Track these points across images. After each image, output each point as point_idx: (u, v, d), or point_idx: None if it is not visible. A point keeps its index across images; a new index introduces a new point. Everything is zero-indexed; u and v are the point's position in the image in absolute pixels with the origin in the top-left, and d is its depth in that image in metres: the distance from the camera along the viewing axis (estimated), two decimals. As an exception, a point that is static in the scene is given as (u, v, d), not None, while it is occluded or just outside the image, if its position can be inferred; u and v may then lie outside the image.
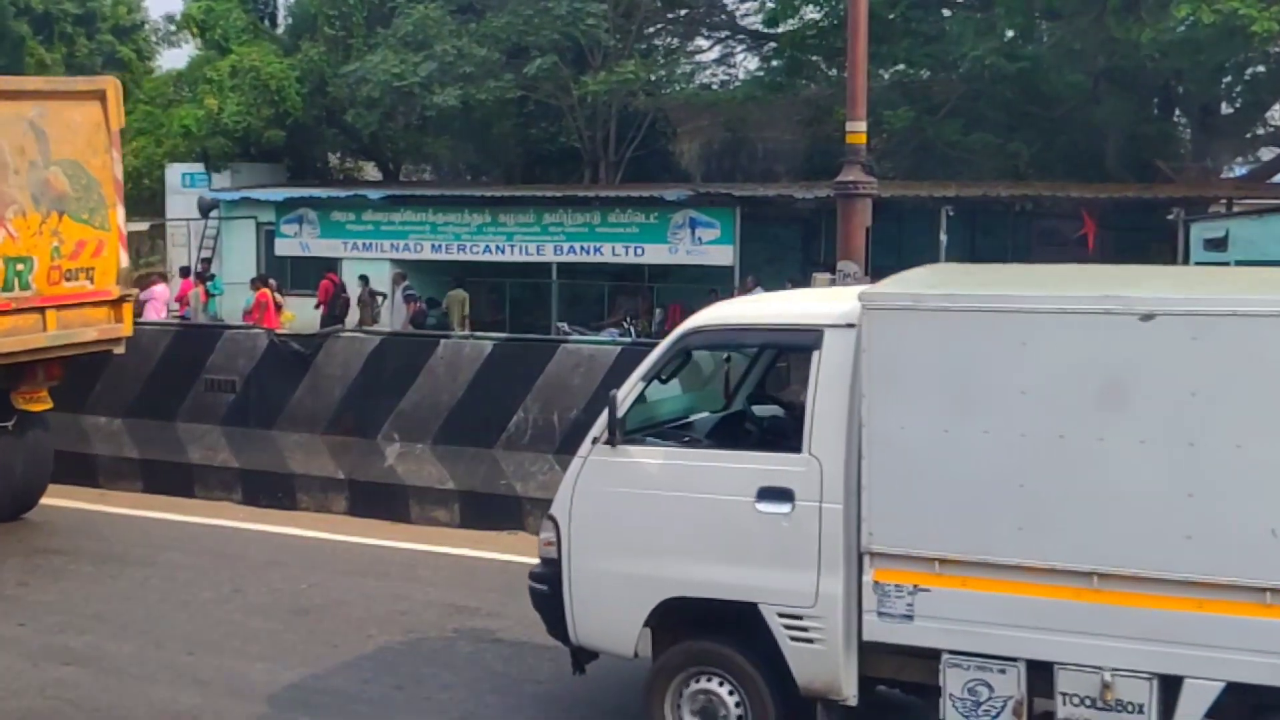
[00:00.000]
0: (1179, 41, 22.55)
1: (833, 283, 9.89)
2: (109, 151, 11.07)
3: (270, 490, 11.90)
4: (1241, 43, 22.30)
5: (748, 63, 33.73)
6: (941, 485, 5.52)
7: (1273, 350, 5.01)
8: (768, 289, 19.11)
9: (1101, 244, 24.56)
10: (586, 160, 30.96)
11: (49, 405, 11.24)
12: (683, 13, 32.86)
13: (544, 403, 10.74)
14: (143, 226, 31.72)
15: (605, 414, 6.26)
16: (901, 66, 28.10)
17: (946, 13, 28.17)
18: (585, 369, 10.67)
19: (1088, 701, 5.31)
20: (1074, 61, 25.27)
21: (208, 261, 30.03)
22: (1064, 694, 5.36)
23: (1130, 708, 5.25)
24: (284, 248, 30.20)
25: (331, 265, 28.51)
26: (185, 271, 27.42)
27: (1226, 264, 17.74)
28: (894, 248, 20.49)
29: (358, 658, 7.88)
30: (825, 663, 5.80)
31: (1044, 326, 5.36)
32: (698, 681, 6.16)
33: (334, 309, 25.77)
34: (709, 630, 6.22)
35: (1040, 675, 5.44)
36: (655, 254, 26.58)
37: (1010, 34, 26.50)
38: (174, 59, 41.71)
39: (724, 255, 25.73)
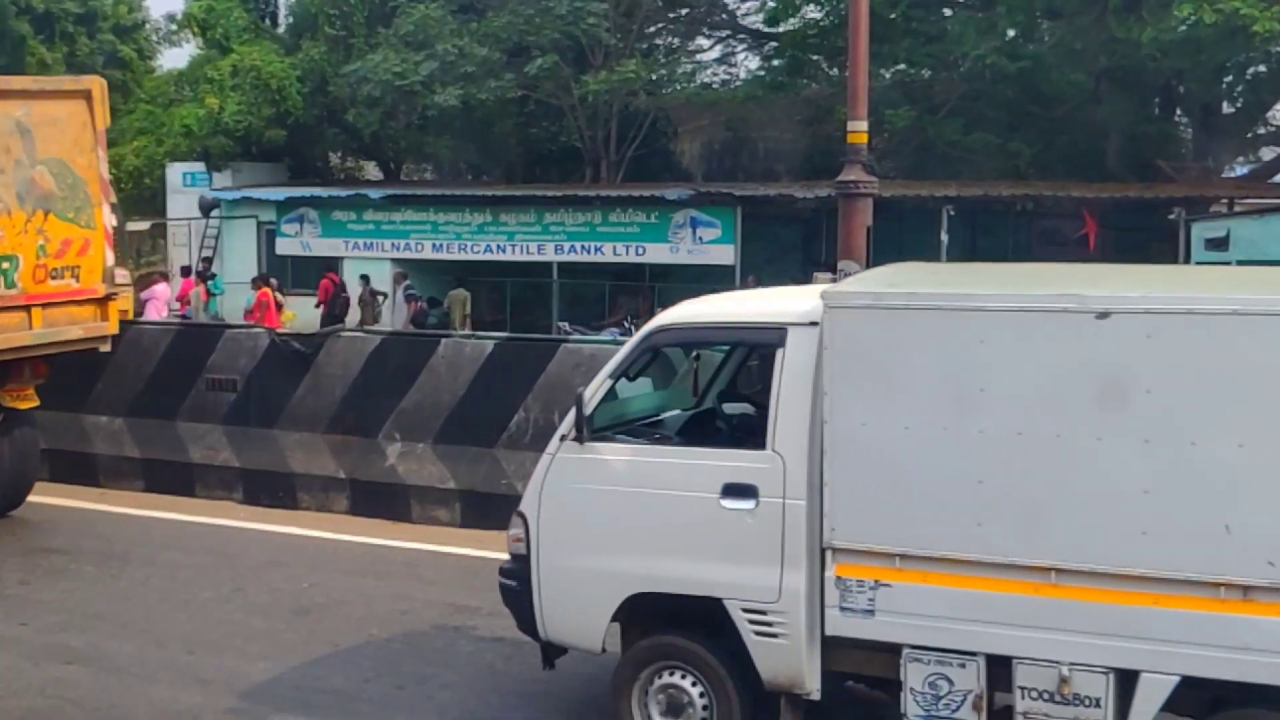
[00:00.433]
0: (1180, 41, 22.54)
1: (834, 282, 9.88)
2: (95, 150, 11.12)
3: (271, 490, 11.90)
4: (1243, 42, 22.30)
5: (749, 62, 33.80)
6: (902, 481, 5.59)
7: (1226, 348, 5.06)
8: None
9: (1102, 244, 24.56)
10: (587, 160, 30.97)
11: (35, 403, 11.32)
12: (684, 12, 32.86)
13: (545, 402, 10.73)
14: (143, 226, 31.75)
15: (572, 411, 6.33)
16: (902, 66, 28.08)
17: (948, 12, 28.16)
18: (586, 369, 10.65)
19: (1046, 695, 5.38)
20: (1075, 61, 25.26)
21: (209, 261, 30.05)
22: (1022, 688, 5.43)
23: (1087, 701, 5.32)
24: (285, 247, 30.22)
25: (332, 265, 28.53)
26: (186, 271, 27.44)
27: (1228, 263, 17.74)
28: (895, 247, 20.37)
29: (358, 657, 7.88)
30: (789, 657, 5.87)
31: (1002, 325, 5.42)
32: (664, 676, 6.24)
33: (334, 308, 25.79)
34: (676, 625, 6.28)
35: (999, 669, 5.50)
36: (656, 253, 26.59)
37: (1011, 33, 26.49)
38: (175, 58, 41.75)
39: (725, 255, 25.73)
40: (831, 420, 5.67)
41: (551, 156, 32.67)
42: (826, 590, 5.74)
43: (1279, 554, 4.98)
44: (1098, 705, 5.29)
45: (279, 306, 23.64)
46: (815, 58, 30.07)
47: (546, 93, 29.74)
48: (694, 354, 7.26)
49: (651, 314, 27.26)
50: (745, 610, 5.92)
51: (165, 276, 25.77)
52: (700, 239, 26.20)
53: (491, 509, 10.77)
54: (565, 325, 24.76)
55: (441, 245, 28.41)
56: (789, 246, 27.55)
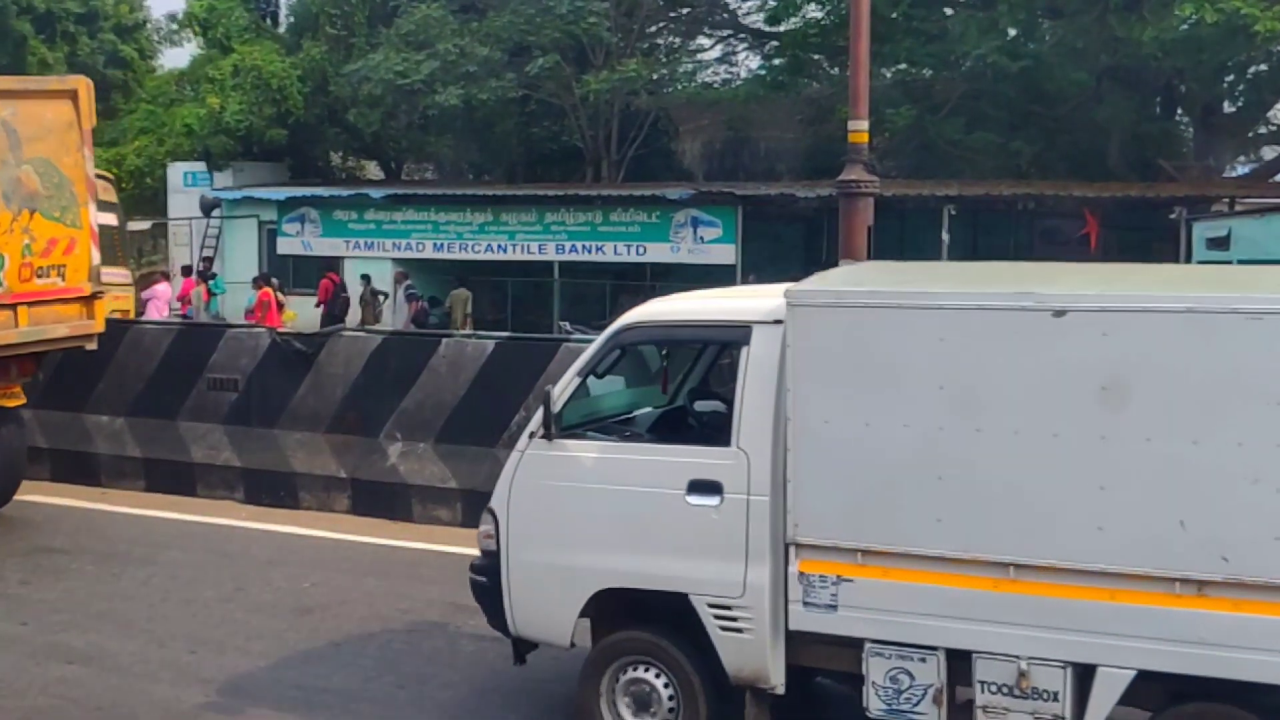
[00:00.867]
0: (1181, 40, 22.54)
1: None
2: (81, 150, 11.17)
3: (272, 489, 11.90)
4: (1244, 42, 22.29)
5: (750, 61, 33.79)
6: (864, 478, 5.66)
7: (1180, 346, 5.11)
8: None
9: (1104, 243, 24.55)
10: (588, 159, 30.97)
11: (22, 401, 11.42)
12: (685, 11, 32.84)
13: (546, 402, 10.73)
14: (145, 225, 31.76)
15: (541, 409, 6.37)
16: (904, 65, 28.07)
17: (949, 11, 28.13)
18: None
19: (1005, 689, 5.44)
20: (1076, 60, 25.24)
21: (209, 260, 30.07)
22: (982, 682, 5.49)
23: (1045, 695, 5.37)
24: (286, 246, 30.24)
25: (333, 264, 28.53)
26: (187, 270, 27.45)
27: (1229, 263, 17.73)
28: (896, 247, 20.46)
29: (360, 656, 7.88)
30: (753, 652, 5.93)
31: (961, 322, 5.48)
32: (632, 670, 6.30)
33: (333, 308, 25.80)
34: (643, 621, 6.34)
35: (960, 664, 5.56)
36: (657, 253, 26.60)
37: (1012, 32, 26.46)
38: (176, 58, 41.78)
39: (726, 254, 25.74)
40: (794, 417, 5.74)
41: (553, 156, 32.67)
42: (790, 585, 5.80)
43: (1233, 549, 5.04)
44: (1056, 699, 5.36)
45: (280, 306, 23.65)
46: (816, 57, 30.05)
47: (548, 92, 29.75)
48: (664, 352, 7.33)
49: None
50: (710, 605, 5.99)
51: (166, 276, 25.79)
52: (701, 238, 26.21)
53: (493, 508, 10.78)
54: (566, 325, 24.76)
55: (442, 245, 28.43)
56: (790, 246, 27.54)
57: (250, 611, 8.77)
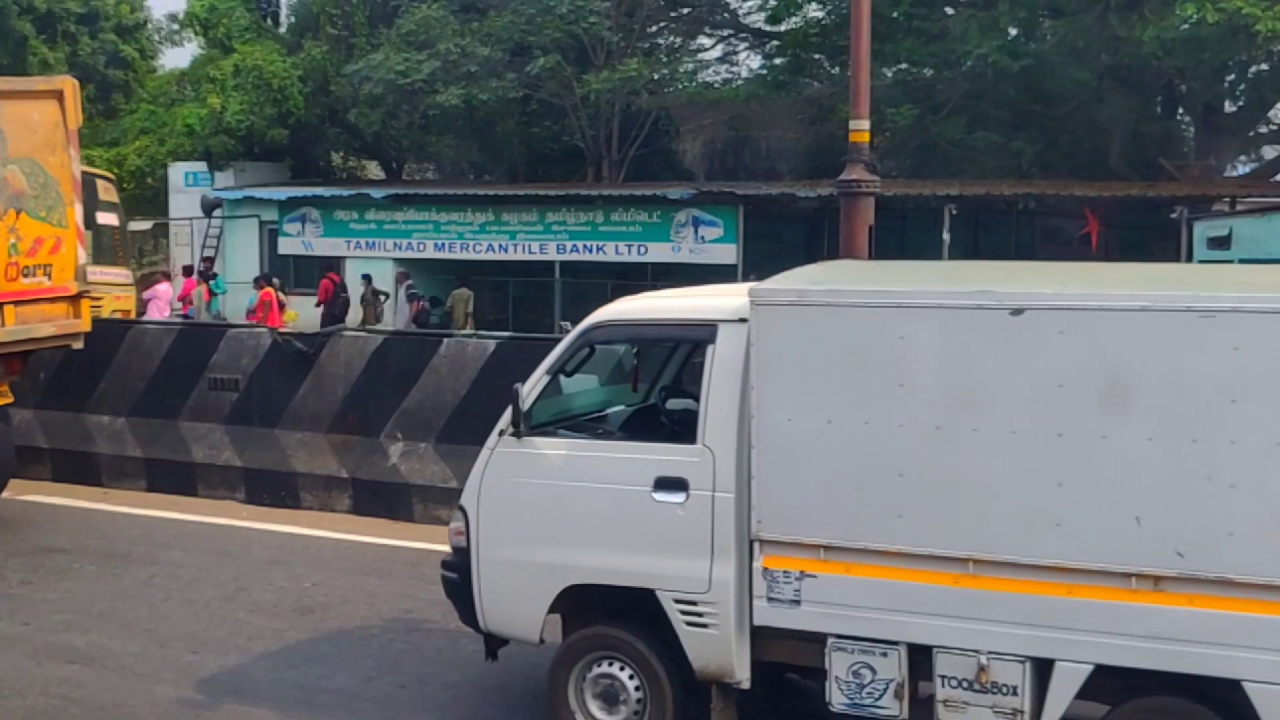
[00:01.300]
0: (1183, 40, 22.52)
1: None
2: (67, 150, 11.22)
3: (274, 489, 11.90)
4: (1245, 42, 22.28)
5: (750, 61, 33.79)
6: (826, 475, 5.71)
7: (1135, 344, 5.16)
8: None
9: (1105, 242, 24.55)
10: (589, 159, 30.97)
11: (9, 399, 11.47)
12: (685, 11, 32.85)
13: (547, 402, 10.73)
14: (146, 225, 31.78)
15: (510, 406, 6.42)
16: (905, 65, 28.06)
17: (950, 11, 28.13)
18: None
19: (965, 684, 5.50)
20: (1078, 60, 25.23)
21: (210, 260, 30.07)
22: (942, 676, 5.55)
23: (1005, 689, 5.43)
24: (287, 246, 30.24)
25: (334, 264, 28.53)
26: (188, 270, 27.44)
27: (1230, 262, 17.73)
28: (897, 247, 20.48)
29: (361, 656, 7.89)
30: (718, 647, 5.98)
31: (920, 321, 5.54)
32: (600, 666, 6.36)
33: (333, 308, 25.79)
34: (612, 617, 6.39)
35: (921, 658, 5.61)
36: (658, 252, 26.60)
37: (1013, 32, 26.45)
38: (177, 58, 41.85)
39: (727, 254, 25.74)
40: (758, 415, 5.80)
41: (554, 156, 32.67)
42: (754, 581, 5.86)
43: (1188, 545, 5.10)
44: (1015, 693, 5.41)
45: (282, 306, 23.65)
46: (817, 56, 30.04)
47: (548, 92, 29.75)
48: (634, 350, 7.39)
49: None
50: (677, 601, 6.05)
51: (167, 276, 25.81)
52: (702, 238, 26.21)
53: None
54: (567, 324, 24.52)
55: (444, 244, 28.44)
56: (791, 246, 27.49)
57: (251, 611, 8.77)
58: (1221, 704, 5.19)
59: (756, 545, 5.83)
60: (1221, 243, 19.53)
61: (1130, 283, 5.81)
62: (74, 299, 11.29)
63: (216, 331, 13.39)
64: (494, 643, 6.85)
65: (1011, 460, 5.35)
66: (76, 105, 11.33)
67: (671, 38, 33.88)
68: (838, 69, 28.26)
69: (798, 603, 5.75)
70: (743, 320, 5.90)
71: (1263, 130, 28.93)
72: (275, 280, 24.88)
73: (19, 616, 8.64)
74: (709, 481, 5.95)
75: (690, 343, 6.75)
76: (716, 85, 32.84)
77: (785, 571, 5.77)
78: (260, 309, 22.73)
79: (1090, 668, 5.29)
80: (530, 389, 6.48)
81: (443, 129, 31.53)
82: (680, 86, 31.47)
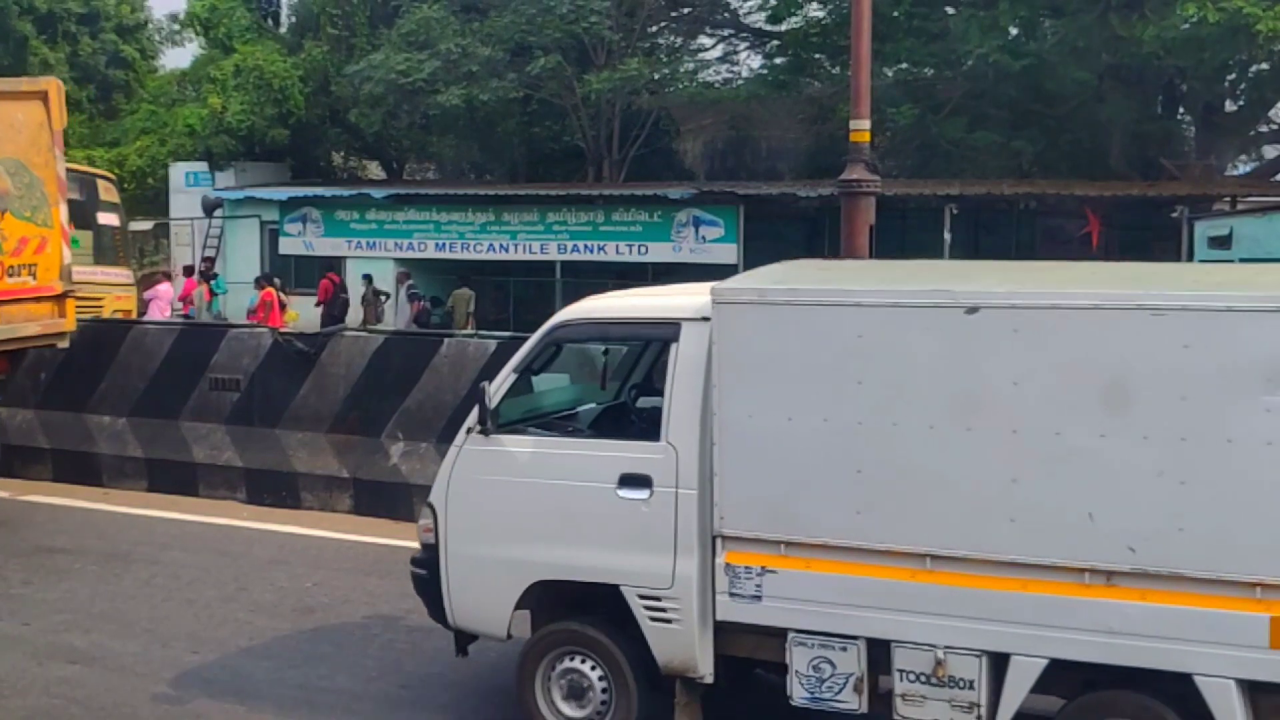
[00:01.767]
0: (1183, 39, 22.53)
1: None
2: (52, 150, 11.28)
3: (274, 489, 11.90)
4: (1245, 41, 22.29)
5: (751, 61, 33.79)
6: (786, 471, 5.77)
7: (1086, 341, 5.21)
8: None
9: (1106, 242, 24.55)
10: (590, 159, 30.99)
11: None
12: (686, 11, 32.85)
13: (548, 401, 10.74)
14: (146, 225, 31.82)
15: (477, 405, 6.46)
16: (905, 64, 28.07)
17: (950, 10, 28.14)
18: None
19: (922, 678, 5.56)
20: (1078, 59, 25.23)
21: (211, 260, 30.07)
22: (901, 670, 5.60)
23: (962, 684, 5.49)
24: (288, 246, 30.25)
25: (335, 264, 28.54)
26: (189, 270, 27.44)
27: (1230, 261, 17.73)
28: (898, 246, 20.47)
29: (362, 656, 7.89)
30: (682, 642, 6.04)
31: (878, 319, 5.60)
32: (566, 661, 6.41)
33: (333, 308, 25.80)
34: (578, 612, 6.45)
35: (879, 653, 5.67)
36: (659, 252, 26.61)
37: (1014, 31, 26.47)
38: (178, 58, 41.85)
39: (728, 253, 25.74)
40: (720, 412, 5.85)
41: (554, 156, 32.69)
42: (717, 577, 5.91)
43: (1140, 540, 5.15)
44: (971, 687, 5.47)
45: (283, 306, 23.66)
46: (818, 56, 30.07)
47: (549, 92, 29.76)
48: (604, 349, 7.46)
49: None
50: (641, 596, 6.10)
51: (168, 276, 25.81)
52: (703, 238, 26.21)
53: (495, 508, 10.78)
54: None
55: (444, 244, 28.45)
56: (792, 245, 27.40)
57: (252, 612, 8.77)
58: (1174, 697, 5.23)
59: (719, 541, 5.89)
60: (1222, 242, 19.54)
61: (1083, 281, 5.86)
62: (59, 299, 11.36)
63: (217, 332, 13.39)
64: (463, 639, 6.91)
65: (966, 457, 5.41)
66: (61, 106, 11.38)
67: (672, 38, 33.89)
68: (838, 69, 28.27)
69: (759, 598, 5.81)
70: (705, 319, 5.97)
71: (1263, 130, 28.93)
72: (276, 280, 24.88)
73: (20, 616, 8.65)
74: (672, 478, 6.00)
75: (654, 341, 6.80)
76: (717, 85, 32.84)
77: (747, 567, 5.82)
78: (261, 309, 22.74)
79: (1045, 662, 5.34)
80: (497, 387, 6.54)
81: (443, 129, 31.54)
82: (681, 86, 31.47)
